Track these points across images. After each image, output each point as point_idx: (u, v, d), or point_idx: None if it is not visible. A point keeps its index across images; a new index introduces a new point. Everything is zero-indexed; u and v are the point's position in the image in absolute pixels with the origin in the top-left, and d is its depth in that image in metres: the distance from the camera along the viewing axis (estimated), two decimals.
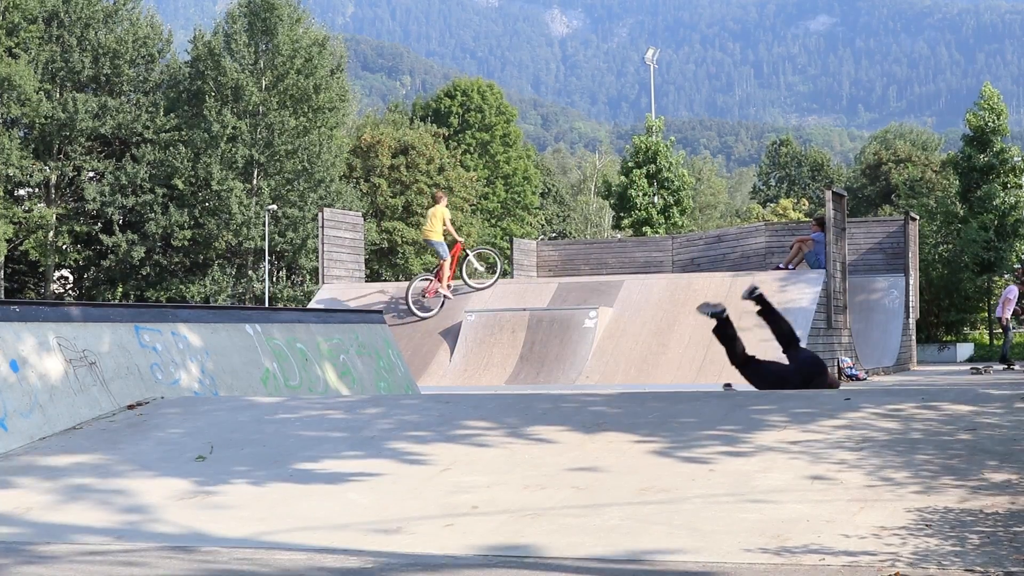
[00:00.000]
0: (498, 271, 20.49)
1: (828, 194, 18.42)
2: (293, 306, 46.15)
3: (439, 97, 70.58)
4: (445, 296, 19.04)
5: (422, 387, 15.05)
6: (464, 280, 19.59)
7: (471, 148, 66.75)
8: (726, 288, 17.52)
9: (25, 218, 47.14)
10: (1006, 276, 35.91)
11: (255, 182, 50.22)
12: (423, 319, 18.96)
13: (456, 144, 64.55)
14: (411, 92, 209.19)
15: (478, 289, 19.37)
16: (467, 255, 19.66)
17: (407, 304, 19.30)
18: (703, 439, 6.92)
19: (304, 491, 6.35)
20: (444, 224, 19.23)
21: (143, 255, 47.93)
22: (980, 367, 21.90)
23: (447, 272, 19.19)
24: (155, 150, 48.52)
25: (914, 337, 24.54)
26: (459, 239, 19.94)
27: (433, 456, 6.91)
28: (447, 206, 19.89)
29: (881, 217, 42.83)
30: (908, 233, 24.03)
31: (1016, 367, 21.94)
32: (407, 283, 19.82)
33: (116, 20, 49.73)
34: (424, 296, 19.42)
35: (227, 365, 10.29)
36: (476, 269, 19.93)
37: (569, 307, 17.84)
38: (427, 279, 19.74)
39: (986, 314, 39.50)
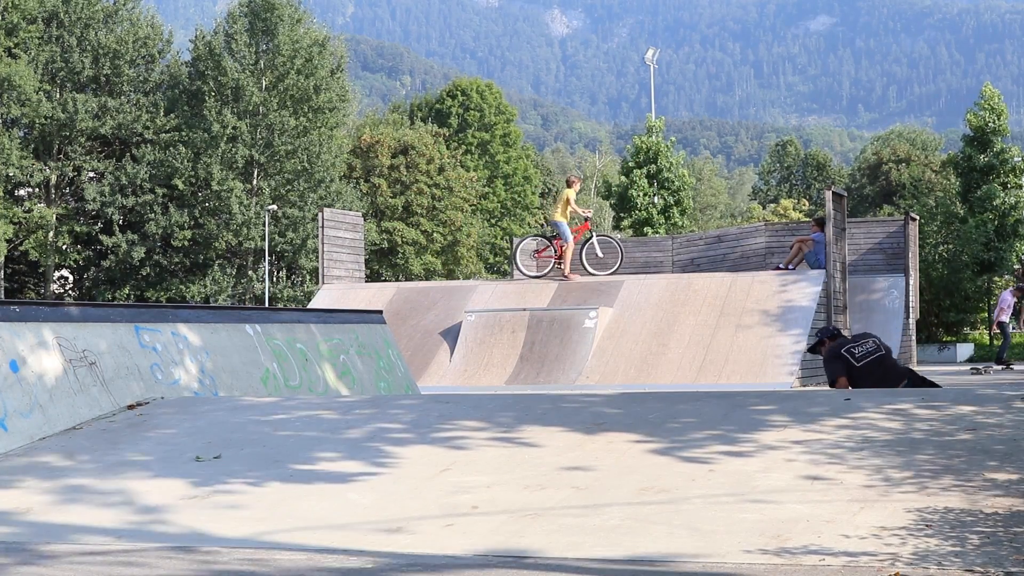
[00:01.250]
0: (619, 260, 20.67)
1: (828, 194, 18.42)
2: (293, 306, 46.14)
3: (441, 97, 70.59)
4: (564, 276, 19.35)
5: (422, 387, 15.05)
6: (583, 265, 19.98)
7: (471, 148, 66.77)
8: (726, 288, 17.53)
9: (25, 218, 47.14)
10: (1006, 277, 35.91)
11: (255, 182, 50.22)
12: (527, 277, 19.77)
13: (457, 144, 64.56)
14: (411, 92, 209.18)
15: (596, 275, 19.65)
16: (591, 237, 20.09)
17: (513, 261, 20.08)
18: (703, 439, 6.92)
19: (304, 491, 6.35)
20: (569, 204, 19.62)
21: (143, 255, 47.93)
22: (980, 367, 21.90)
23: (568, 255, 19.53)
24: (155, 150, 48.51)
25: (914, 337, 24.55)
26: (587, 216, 20.31)
27: (433, 456, 6.91)
28: (578, 191, 20.30)
29: (881, 217, 42.83)
30: (908, 233, 24.04)
31: (1014, 367, 21.95)
32: (516, 239, 21.05)
33: (116, 20, 49.72)
34: (533, 257, 20.26)
35: (227, 365, 10.29)
36: (597, 255, 20.27)
37: (569, 307, 17.84)
38: (539, 240, 20.46)
39: (986, 314, 39.49)
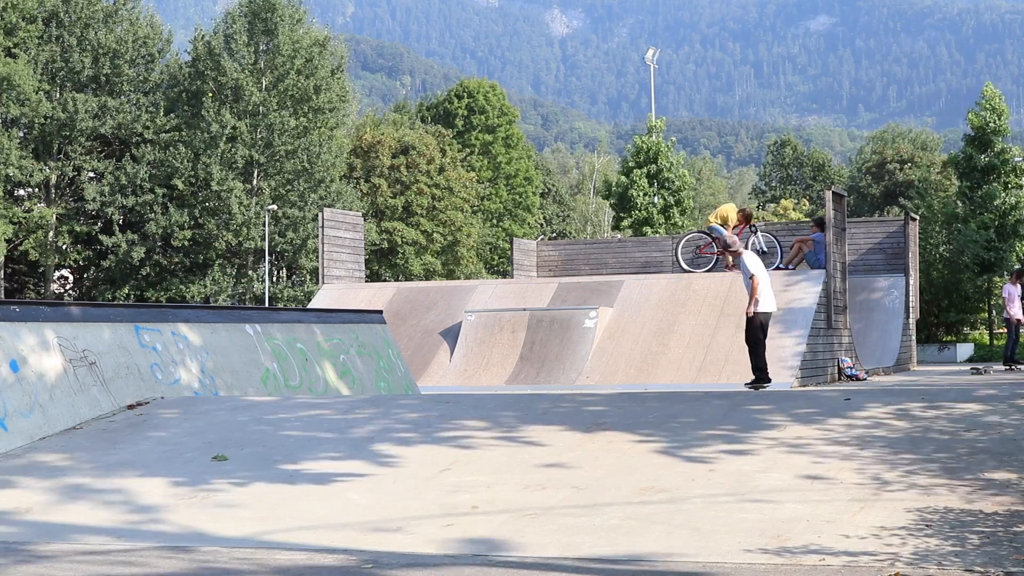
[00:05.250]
0: (778, 258, 21.15)
1: (828, 194, 18.41)
2: (293, 306, 46.13)
3: (448, 98, 70.54)
4: (725, 265, 20.18)
5: (422, 387, 15.05)
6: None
7: (474, 150, 66.79)
8: (726, 288, 17.52)
9: (25, 218, 47.12)
10: (1006, 276, 35.87)
11: (255, 182, 50.22)
12: (686, 271, 20.65)
13: (461, 145, 64.58)
14: (411, 92, 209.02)
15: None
16: (752, 234, 20.82)
17: (675, 257, 21.84)
18: (703, 439, 6.92)
19: (304, 491, 6.35)
20: (726, 223, 20.58)
21: (143, 255, 47.91)
22: (980, 367, 21.79)
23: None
24: (155, 150, 48.50)
25: (914, 337, 24.51)
26: (747, 223, 21.19)
27: (433, 456, 6.91)
28: (738, 214, 21.14)
29: (881, 217, 42.84)
30: (908, 233, 24.04)
31: (1017, 367, 21.33)
32: (678, 236, 21.91)
33: (116, 20, 49.69)
34: (697, 253, 21.28)
35: (227, 365, 10.29)
36: (760, 250, 20.83)
37: (569, 307, 17.84)
38: (702, 236, 21.35)
39: (986, 314, 39.46)
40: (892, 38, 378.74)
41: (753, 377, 13.09)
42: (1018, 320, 21.51)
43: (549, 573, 4.71)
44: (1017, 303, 21.62)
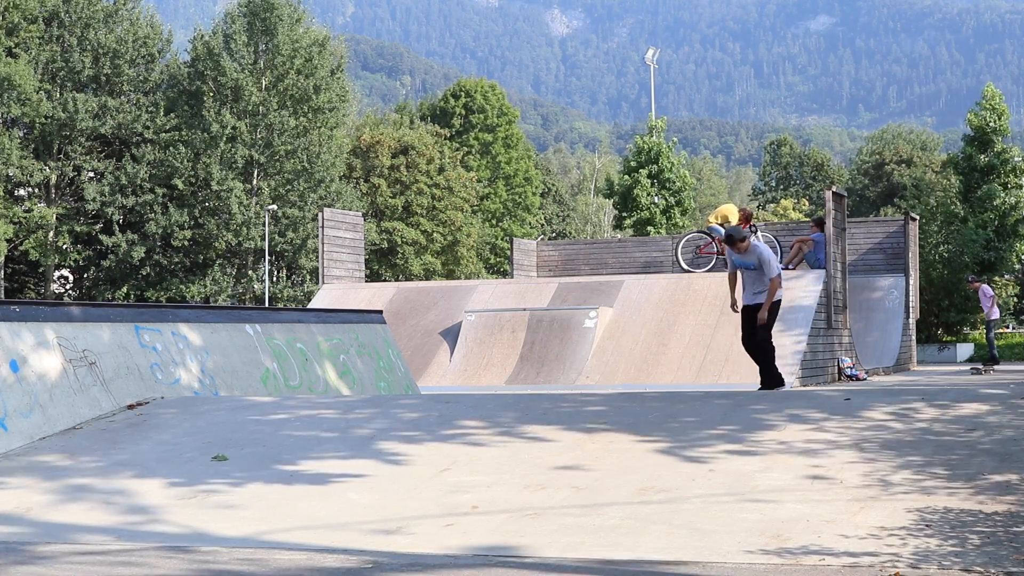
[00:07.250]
0: (778, 254, 21.29)
1: (828, 194, 18.41)
2: (293, 306, 46.12)
3: (445, 97, 70.55)
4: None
5: (422, 387, 15.05)
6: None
7: (474, 149, 66.76)
8: (726, 288, 17.52)
9: (25, 218, 47.12)
10: (1006, 277, 35.89)
11: (255, 182, 50.22)
12: (686, 271, 20.86)
13: (460, 145, 64.54)
14: (411, 92, 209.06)
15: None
16: (752, 233, 20.77)
17: (675, 257, 22.17)
18: (703, 439, 6.92)
19: (304, 491, 6.35)
20: (726, 223, 20.61)
21: (143, 255, 47.92)
22: (980, 367, 21.77)
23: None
24: (155, 150, 48.51)
25: (914, 337, 24.51)
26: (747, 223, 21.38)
27: (433, 456, 6.91)
28: (739, 214, 21.22)
29: (881, 217, 42.85)
30: (908, 233, 24.05)
31: (982, 368, 21.09)
32: (678, 236, 21.95)
33: (116, 20, 49.70)
34: (697, 253, 21.48)
35: (227, 365, 10.29)
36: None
37: (569, 307, 17.83)
38: (702, 236, 21.50)
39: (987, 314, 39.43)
40: (892, 38, 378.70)
41: (774, 380, 11.35)
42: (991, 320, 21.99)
43: (549, 573, 4.70)
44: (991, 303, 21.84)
